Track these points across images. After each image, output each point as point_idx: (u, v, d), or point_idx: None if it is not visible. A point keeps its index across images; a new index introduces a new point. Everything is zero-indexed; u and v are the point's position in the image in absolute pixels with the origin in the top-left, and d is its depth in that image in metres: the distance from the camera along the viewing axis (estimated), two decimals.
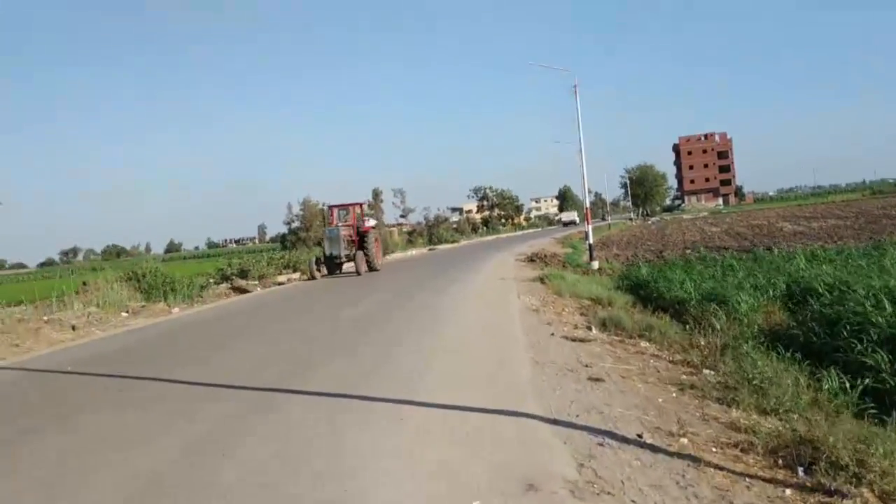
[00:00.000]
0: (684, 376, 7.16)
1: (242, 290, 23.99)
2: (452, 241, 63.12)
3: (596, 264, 24.38)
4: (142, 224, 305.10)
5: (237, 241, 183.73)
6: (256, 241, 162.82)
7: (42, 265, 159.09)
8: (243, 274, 27.54)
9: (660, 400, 5.94)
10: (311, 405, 6.27)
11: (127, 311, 18.15)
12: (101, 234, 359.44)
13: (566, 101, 34.86)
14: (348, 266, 27.63)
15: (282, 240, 55.81)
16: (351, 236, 27.13)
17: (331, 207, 30.23)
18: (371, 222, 28.97)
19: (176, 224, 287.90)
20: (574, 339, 8.77)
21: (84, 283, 27.54)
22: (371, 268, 26.90)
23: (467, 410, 5.69)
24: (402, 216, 70.05)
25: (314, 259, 27.08)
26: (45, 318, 15.44)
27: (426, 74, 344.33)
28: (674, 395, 6.23)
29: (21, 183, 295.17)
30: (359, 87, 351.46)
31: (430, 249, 52.84)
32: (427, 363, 7.80)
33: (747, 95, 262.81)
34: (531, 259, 26.16)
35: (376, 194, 56.26)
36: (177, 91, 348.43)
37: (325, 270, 27.33)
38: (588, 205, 28.78)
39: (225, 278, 27.46)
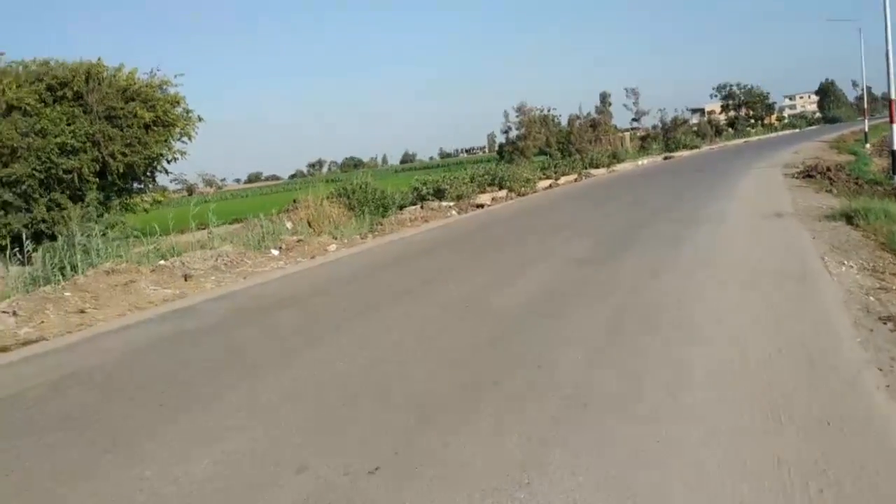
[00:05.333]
0: None
1: (469, 209, 20.07)
2: (692, 147, 55.20)
3: None
4: (384, 136, 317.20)
5: (468, 151, 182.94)
6: (486, 150, 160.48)
7: (292, 177, 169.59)
8: (439, 193, 23.65)
9: None
10: None
11: (278, 249, 14.68)
12: (346, 147, 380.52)
13: None
14: None
15: (499, 150, 51.48)
16: None
17: None
18: None
19: (412, 135, 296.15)
20: None
21: (294, 201, 25.37)
22: None
23: None
24: (634, 119, 62.66)
25: None
26: (162, 262, 12.32)
27: None
28: None
29: (276, 99, 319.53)
30: None
31: (665, 157, 45.80)
32: None
33: None
34: (807, 174, 19.23)
35: (604, 97, 49.51)
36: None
37: None
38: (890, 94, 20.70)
39: (420, 198, 23.94)
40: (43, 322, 8.83)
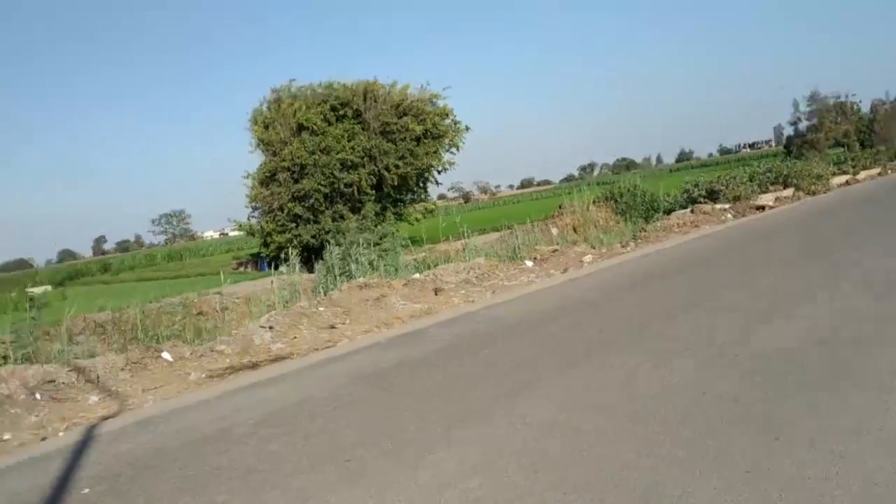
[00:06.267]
0: None
1: (743, 213, 18.21)
2: None
3: None
4: (659, 134, 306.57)
5: (751, 146, 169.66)
6: (773, 143, 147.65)
7: (563, 181, 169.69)
8: (712, 195, 21.60)
9: None
10: None
11: (532, 260, 14.10)
12: (619, 148, 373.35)
13: None
14: None
15: (786, 144, 46.61)
16: None
17: None
18: None
19: (689, 131, 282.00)
20: None
21: (560, 206, 25.03)
22: None
23: None
24: None
25: None
26: (416, 275, 12.31)
27: None
28: None
29: (548, 103, 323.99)
30: None
31: None
32: None
33: None
34: None
35: None
36: None
37: None
38: None
39: (691, 200, 22.09)
40: (295, 338, 9.03)
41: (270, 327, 9.25)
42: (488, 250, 15.43)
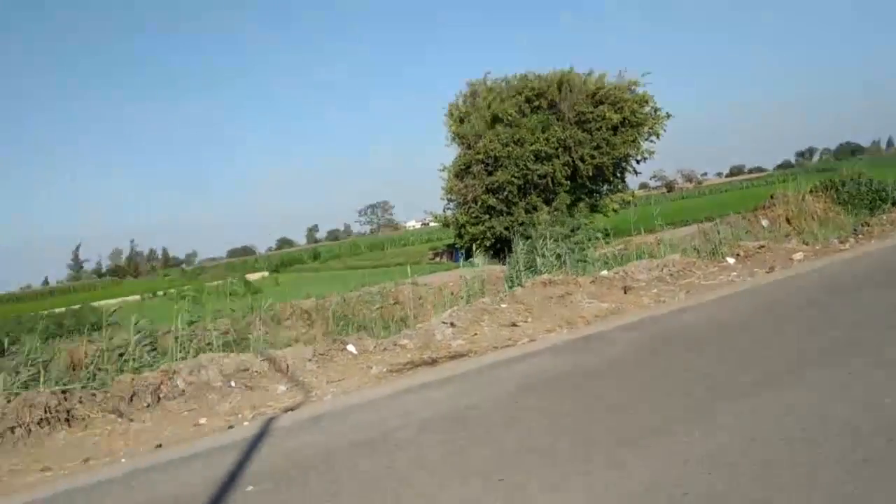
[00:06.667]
0: None
1: None
2: None
3: None
4: (888, 113, 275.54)
5: None
6: None
7: (778, 168, 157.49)
8: None
9: None
10: None
11: (735, 256, 13.07)
12: (843, 132, 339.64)
13: None
14: None
15: None
16: None
17: None
18: None
19: None
20: None
21: (772, 196, 23.35)
22: None
23: None
24: None
25: None
26: (604, 272, 11.82)
27: None
28: None
29: (759, 85, 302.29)
30: None
31: None
32: None
33: None
34: None
35: None
36: None
37: None
38: None
39: None
40: (476, 334, 8.95)
41: (452, 323, 9.23)
42: (686, 245, 14.50)
